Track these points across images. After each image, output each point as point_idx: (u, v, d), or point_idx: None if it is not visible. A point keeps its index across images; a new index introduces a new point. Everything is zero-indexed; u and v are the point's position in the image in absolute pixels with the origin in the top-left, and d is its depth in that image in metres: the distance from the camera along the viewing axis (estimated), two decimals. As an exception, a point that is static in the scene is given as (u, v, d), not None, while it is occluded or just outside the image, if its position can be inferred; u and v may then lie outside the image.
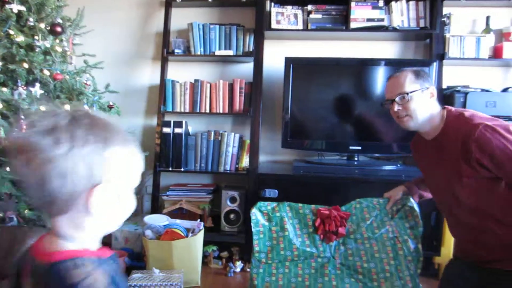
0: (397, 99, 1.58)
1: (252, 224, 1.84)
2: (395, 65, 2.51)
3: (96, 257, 0.71)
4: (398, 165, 2.57)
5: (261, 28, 2.71)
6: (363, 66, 2.56)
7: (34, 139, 0.64)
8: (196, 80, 2.76)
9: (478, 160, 1.42)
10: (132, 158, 0.74)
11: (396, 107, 1.59)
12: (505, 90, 2.54)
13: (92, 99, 2.27)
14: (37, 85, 2.06)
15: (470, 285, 1.60)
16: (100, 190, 0.68)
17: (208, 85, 2.75)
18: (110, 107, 2.36)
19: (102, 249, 0.76)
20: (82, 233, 0.72)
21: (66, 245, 0.70)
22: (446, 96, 2.61)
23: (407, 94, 1.55)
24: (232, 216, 2.67)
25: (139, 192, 2.95)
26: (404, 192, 1.90)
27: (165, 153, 2.74)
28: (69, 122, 0.66)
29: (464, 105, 2.48)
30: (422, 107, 1.55)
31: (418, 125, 1.58)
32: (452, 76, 2.71)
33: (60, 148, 0.64)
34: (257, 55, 2.72)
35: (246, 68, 2.84)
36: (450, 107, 1.59)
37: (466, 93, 2.48)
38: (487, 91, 2.52)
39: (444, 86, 2.66)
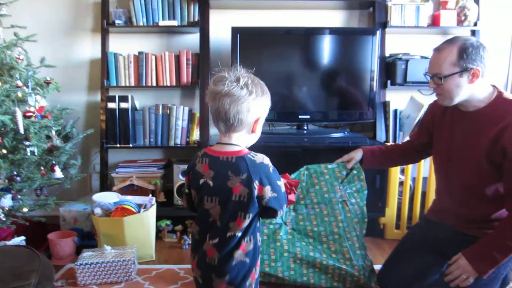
0: (434, 78, 1.54)
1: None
2: (340, 34, 2.55)
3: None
4: (346, 132, 2.66)
5: (206, -4, 2.63)
6: (310, 35, 2.57)
7: (236, 90, 1.11)
8: (140, 53, 2.65)
9: (503, 148, 1.45)
10: (269, 105, 1.20)
11: (432, 84, 1.56)
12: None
13: (26, 74, 2.12)
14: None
15: (434, 241, 1.73)
16: (259, 121, 1.18)
17: (153, 57, 2.66)
18: (48, 83, 2.21)
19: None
20: (243, 143, 1.18)
21: (239, 148, 1.16)
22: (388, 64, 2.71)
23: (442, 78, 1.49)
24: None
25: (86, 170, 2.85)
26: (361, 154, 1.97)
27: (112, 129, 2.65)
28: (252, 81, 1.15)
29: (405, 71, 2.58)
30: (459, 89, 1.50)
31: (453, 103, 1.56)
32: (394, 44, 2.79)
33: (251, 96, 1.12)
34: (202, 25, 2.65)
35: (192, 38, 2.77)
36: (502, 90, 1.56)
37: (407, 61, 2.58)
38: (426, 58, 2.64)
39: (387, 54, 2.75)
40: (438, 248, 1.74)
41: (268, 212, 1.14)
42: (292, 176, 1.95)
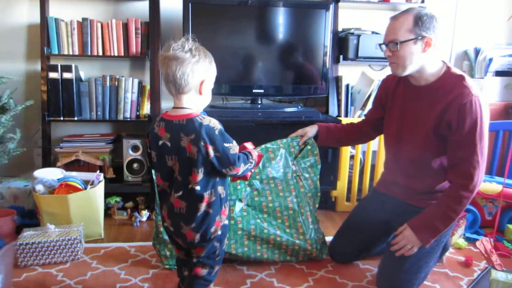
0: (390, 45, 1.54)
1: (153, 172, 1.79)
2: (294, 7, 2.52)
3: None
4: (299, 107, 2.67)
5: (155, -39, 2.48)
6: (264, 8, 2.52)
7: (181, 53, 1.25)
8: (84, 19, 2.47)
9: (448, 121, 1.50)
10: (213, 70, 1.34)
11: (387, 53, 1.56)
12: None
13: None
14: None
15: (381, 213, 1.79)
16: (205, 83, 1.29)
17: (99, 24, 2.49)
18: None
19: None
20: (194, 106, 1.30)
21: (190, 111, 1.28)
22: (341, 39, 2.72)
23: (397, 43, 1.50)
24: (135, 165, 2.57)
25: (27, 145, 2.66)
26: (316, 130, 1.97)
27: (55, 101, 2.48)
28: (195, 47, 1.28)
29: (357, 47, 2.61)
30: (412, 57, 1.52)
31: (406, 73, 1.57)
32: (347, 19, 2.81)
33: (194, 58, 1.25)
34: (152, -8, 2.51)
35: (141, 6, 2.62)
36: (451, 66, 1.59)
37: (359, 36, 2.61)
38: (377, 33, 2.68)
39: (339, 29, 2.76)
40: (386, 218, 1.81)
41: (216, 169, 1.29)
42: None
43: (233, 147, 1.29)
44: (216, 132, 1.25)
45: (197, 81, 1.27)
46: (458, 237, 2.20)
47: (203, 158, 1.25)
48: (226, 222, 1.40)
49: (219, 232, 1.36)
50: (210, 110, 2.50)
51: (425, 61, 1.56)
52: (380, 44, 1.64)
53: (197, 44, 1.29)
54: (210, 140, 1.24)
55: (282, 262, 1.94)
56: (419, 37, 1.51)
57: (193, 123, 1.25)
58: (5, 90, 2.29)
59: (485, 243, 1.88)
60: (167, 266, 1.85)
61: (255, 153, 1.43)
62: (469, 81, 1.53)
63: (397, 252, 1.64)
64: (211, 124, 1.25)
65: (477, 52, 2.91)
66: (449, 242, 1.98)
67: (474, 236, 2.24)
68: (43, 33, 2.47)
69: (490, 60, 2.81)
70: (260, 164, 1.96)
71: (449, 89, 1.53)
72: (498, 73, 2.84)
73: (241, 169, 1.33)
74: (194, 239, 1.33)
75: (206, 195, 1.30)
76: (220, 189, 1.34)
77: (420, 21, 1.50)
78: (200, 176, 1.27)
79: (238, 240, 1.84)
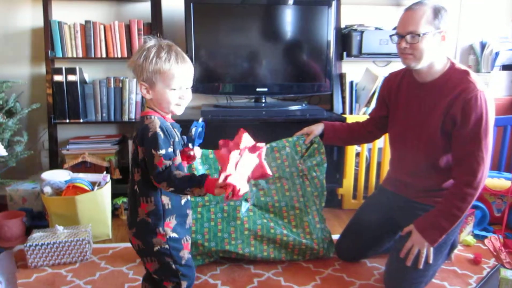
0: (407, 37, 1.50)
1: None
2: (297, 4, 2.51)
3: (159, 116, 1.23)
4: (303, 105, 2.66)
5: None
6: (266, 6, 2.51)
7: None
8: (87, 21, 2.48)
9: (453, 117, 1.49)
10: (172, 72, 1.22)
11: (403, 44, 1.51)
12: (395, 28, 2.68)
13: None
14: None
15: (388, 210, 1.79)
16: (157, 86, 1.21)
17: (102, 26, 2.50)
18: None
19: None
20: (154, 104, 1.25)
21: (146, 110, 1.25)
22: (344, 35, 2.71)
23: (419, 35, 1.47)
24: (141, 166, 2.57)
25: (34, 147, 2.69)
26: (322, 129, 1.96)
27: (60, 104, 2.50)
28: (163, 45, 1.22)
29: (360, 43, 2.59)
30: (430, 50, 1.50)
31: (419, 67, 1.55)
32: (350, 15, 2.79)
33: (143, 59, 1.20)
34: (154, -7, 2.52)
35: (143, 7, 2.63)
36: (455, 61, 1.57)
37: (362, 32, 2.59)
38: (380, 29, 2.66)
39: (342, 26, 2.75)
40: (393, 216, 1.80)
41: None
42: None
43: (156, 157, 1.15)
44: (149, 134, 1.16)
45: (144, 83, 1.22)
46: (466, 234, 2.18)
47: (138, 158, 1.21)
48: (178, 236, 1.26)
49: (166, 246, 1.24)
50: (214, 110, 2.50)
51: (437, 55, 1.54)
52: (393, 35, 1.59)
53: (165, 44, 1.22)
54: (141, 140, 1.18)
55: (289, 261, 1.94)
56: (438, 31, 1.49)
57: (141, 121, 1.23)
58: (11, 94, 2.31)
59: (493, 241, 1.86)
60: (174, 266, 1.86)
61: (215, 183, 1.14)
62: (473, 76, 1.52)
63: (407, 258, 1.61)
64: (149, 125, 1.18)
65: (483, 46, 2.88)
66: (458, 239, 1.96)
67: (483, 233, 2.22)
68: (46, 37, 2.49)
69: (497, 54, 2.78)
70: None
71: (454, 85, 1.52)
72: (505, 67, 2.81)
73: (163, 186, 1.17)
74: (136, 246, 1.27)
75: (144, 201, 1.22)
76: (164, 199, 1.24)
77: (439, 14, 1.48)
78: (137, 177, 1.22)
79: (244, 240, 1.84)
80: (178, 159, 1.21)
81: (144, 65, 1.18)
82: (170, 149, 1.18)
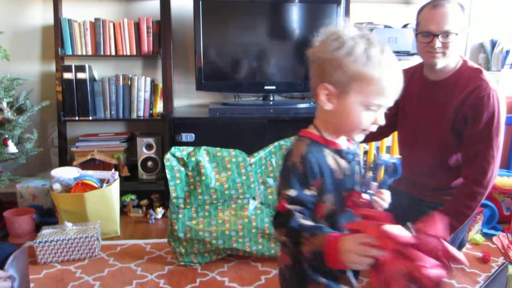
0: (441, 35, 1.45)
1: (167, 170, 1.81)
2: (305, 2, 2.50)
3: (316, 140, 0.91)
4: (311, 103, 2.65)
5: (165, -40, 2.49)
6: (275, 3, 2.51)
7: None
8: (96, 19, 2.50)
9: (464, 115, 1.47)
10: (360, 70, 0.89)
11: (437, 43, 1.46)
12: (405, 26, 2.68)
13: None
14: None
15: (397, 209, 1.77)
16: (326, 88, 0.90)
17: (111, 24, 2.52)
18: (-5, 51, 2.06)
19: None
20: (319, 122, 0.94)
21: (310, 127, 0.95)
22: (354, 34, 2.69)
23: (456, 34, 1.44)
24: (149, 163, 2.59)
25: (44, 144, 2.71)
26: None
27: (69, 101, 2.52)
28: (374, 40, 0.87)
29: (370, 41, 2.58)
30: (458, 49, 1.48)
31: (443, 65, 1.51)
32: (358, 13, 2.78)
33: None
34: (163, -9, 2.52)
35: (153, 5, 2.63)
36: (467, 59, 1.55)
37: (371, 30, 2.57)
38: (389, 27, 2.65)
39: (351, 23, 2.73)
40: (401, 215, 1.79)
41: None
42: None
43: (281, 196, 0.86)
44: (287, 162, 0.89)
45: (313, 83, 0.92)
46: (475, 233, 2.17)
47: None
48: None
49: None
50: (222, 108, 2.51)
51: (455, 54, 1.52)
52: (419, 33, 1.52)
53: (373, 38, 0.87)
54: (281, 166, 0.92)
55: (296, 259, 1.94)
56: (464, 29, 1.48)
57: (293, 141, 0.95)
58: (21, 91, 2.33)
59: (502, 238, 1.84)
60: (182, 263, 1.87)
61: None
62: (486, 74, 1.50)
63: None
64: (293, 150, 0.90)
65: (493, 44, 2.85)
66: (466, 238, 1.95)
67: (492, 231, 2.21)
68: (56, 34, 2.50)
69: (507, 52, 2.75)
70: (274, 162, 1.95)
71: (466, 82, 1.50)
72: (515, 65, 2.78)
73: (278, 233, 0.87)
74: None
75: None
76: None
77: (464, 11, 1.48)
78: None
79: (252, 238, 1.85)
80: (326, 206, 0.88)
81: (344, 61, 0.84)
82: (308, 192, 0.85)
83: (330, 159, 0.90)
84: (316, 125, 0.94)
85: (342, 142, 0.94)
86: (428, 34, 1.48)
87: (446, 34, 1.45)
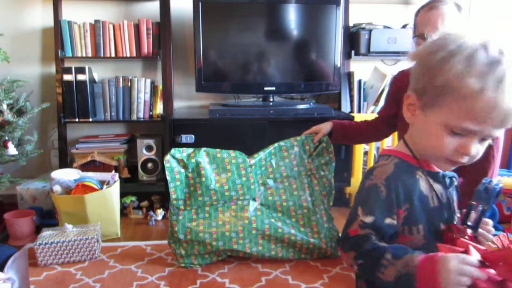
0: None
1: (166, 172, 1.81)
2: (304, 3, 2.50)
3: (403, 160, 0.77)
4: (311, 104, 2.66)
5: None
6: (274, 4, 2.51)
7: None
8: (96, 21, 2.50)
9: None
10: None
11: None
12: (404, 26, 2.68)
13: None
14: None
15: None
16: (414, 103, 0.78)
17: (111, 26, 2.52)
18: (-5, 53, 2.06)
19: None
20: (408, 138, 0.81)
21: (398, 144, 0.83)
22: (352, 34, 2.70)
23: None
24: (149, 165, 2.59)
25: (44, 146, 2.71)
26: (331, 127, 1.93)
27: (70, 103, 2.52)
28: (491, 45, 0.71)
29: (368, 42, 2.58)
30: None
31: None
32: (358, 14, 2.78)
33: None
34: (163, -8, 2.53)
35: (152, 7, 2.64)
36: None
37: (370, 30, 2.58)
38: (388, 27, 2.65)
39: (350, 24, 2.74)
40: None
41: None
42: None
43: (356, 221, 0.78)
44: (366, 183, 0.79)
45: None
46: (475, 233, 2.16)
47: None
48: None
49: None
50: (222, 109, 2.51)
51: None
52: (416, 35, 1.53)
53: (493, 43, 0.72)
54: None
55: (296, 260, 1.94)
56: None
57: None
58: (21, 93, 2.33)
59: (502, 238, 1.84)
60: (182, 265, 1.87)
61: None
62: None
63: None
64: (375, 170, 0.80)
65: (492, 43, 2.84)
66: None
67: (492, 231, 2.21)
68: (56, 36, 2.51)
69: (506, 51, 2.75)
70: (274, 163, 1.95)
71: None
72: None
73: (346, 256, 0.80)
74: None
75: None
76: None
77: (460, 11, 1.48)
78: None
79: (252, 239, 1.85)
80: (416, 240, 0.75)
81: (436, 68, 0.69)
82: (389, 221, 0.74)
83: (423, 183, 0.76)
84: (407, 141, 0.80)
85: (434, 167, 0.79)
86: (424, 37, 1.49)
87: None
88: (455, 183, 0.82)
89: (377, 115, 1.99)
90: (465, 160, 0.73)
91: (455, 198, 0.82)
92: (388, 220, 0.73)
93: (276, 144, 1.95)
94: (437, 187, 0.78)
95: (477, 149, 0.71)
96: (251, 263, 1.92)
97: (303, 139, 1.97)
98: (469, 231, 0.75)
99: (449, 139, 0.70)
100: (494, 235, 1.92)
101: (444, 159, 0.73)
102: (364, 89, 2.69)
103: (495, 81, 0.65)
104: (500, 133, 0.70)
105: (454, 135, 0.69)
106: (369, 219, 0.74)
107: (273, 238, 1.87)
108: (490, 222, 0.81)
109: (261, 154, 1.91)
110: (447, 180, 0.79)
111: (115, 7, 2.66)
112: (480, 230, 0.79)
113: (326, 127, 1.93)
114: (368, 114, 2.63)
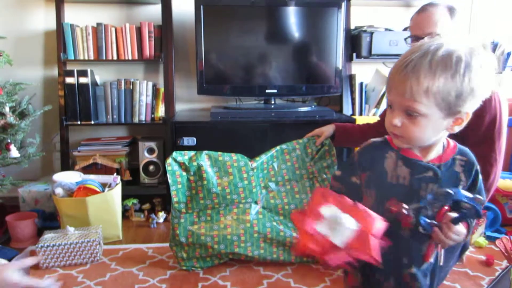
0: (426, 38, 1.44)
1: (168, 175, 1.81)
2: (306, 6, 2.50)
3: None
4: (313, 106, 2.66)
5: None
6: (275, 7, 2.51)
7: None
8: (98, 24, 2.51)
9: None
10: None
11: None
12: (405, 29, 2.68)
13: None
14: None
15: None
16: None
17: (113, 29, 2.53)
18: (-2, 56, 2.07)
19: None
20: None
21: None
22: (353, 37, 2.70)
23: (439, 36, 1.40)
24: (151, 167, 2.60)
25: (46, 149, 2.72)
26: (333, 130, 1.93)
27: (72, 106, 2.53)
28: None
29: (370, 44, 2.58)
30: None
31: None
32: (359, 16, 2.78)
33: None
34: (164, -4, 2.54)
35: (154, 10, 2.64)
36: None
37: (372, 33, 2.58)
38: (390, 30, 2.65)
39: (352, 27, 2.74)
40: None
41: None
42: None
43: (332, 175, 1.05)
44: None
45: None
46: (478, 236, 2.16)
47: None
48: None
49: None
50: (224, 111, 2.51)
51: None
52: (408, 38, 1.56)
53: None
54: None
55: (298, 263, 1.94)
56: (455, 30, 1.48)
57: None
58: (24, 96, 2.34)
59: (505, 241, 1.84)
60: (184, 268, 1.87)
61: None
62: None
63: None
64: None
65: (494, 46, 2.84)
66: (469, 241, 1.94)
67: (495, 234, 2.20)
68: (59, 39, 2.52)
69: (508, 54, 2.74)
70: (276, 166, 1.95)
71: None
72: (517, 67, 2.77)
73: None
74: None
75: None
76: None
77: (454, 14, 1.48)
78: None
79: (254, 243, 1.84)
80: (369, 201, 0.91)
81: (466, 81, 0.87)
82: (354, 179, 0.97)
83: (390, 162, 0.91)
84: None
85: (428, 154, 0.91)
86: (414, 39, 1.53)
87: (431, 36, 1.46)
88: (429, 174, 0.89)
89: (379, 118, 1.98)
90: (396, 131, 0.86)
91: (424, 188, 0.89)
92: (353, 179, 0.95)
93: (278, 147, 1.95)
94: (403, 169, 0.90)
95: (402, 121, 0.84)
96: (252, 266, 1.91)
97: (305, 142, 1.97)
98: (405, 211, 0.83)
99: (388, 114, 0.87)
100: (497, 238, 1.92)
101: (390, 133, 0.88)
102: (365, 91, 2.69)
103: (399, 64, 0.84)
104: (420, 110, 0.81)
105: (390, 109, 0.87)
106: (338, 173, 1.00)
107: (275, 241, 1.86)
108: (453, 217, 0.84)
109: (263, 157, 1.91)
110: (419, 169, 0.89)
111: (117, 10, 2.67)
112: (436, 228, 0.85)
113: (328, 129, 1.93)
114: (369, 116, 2.63)
